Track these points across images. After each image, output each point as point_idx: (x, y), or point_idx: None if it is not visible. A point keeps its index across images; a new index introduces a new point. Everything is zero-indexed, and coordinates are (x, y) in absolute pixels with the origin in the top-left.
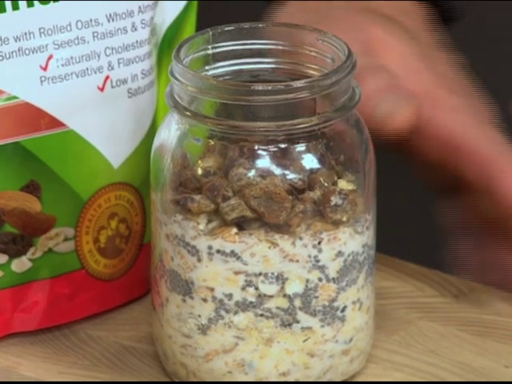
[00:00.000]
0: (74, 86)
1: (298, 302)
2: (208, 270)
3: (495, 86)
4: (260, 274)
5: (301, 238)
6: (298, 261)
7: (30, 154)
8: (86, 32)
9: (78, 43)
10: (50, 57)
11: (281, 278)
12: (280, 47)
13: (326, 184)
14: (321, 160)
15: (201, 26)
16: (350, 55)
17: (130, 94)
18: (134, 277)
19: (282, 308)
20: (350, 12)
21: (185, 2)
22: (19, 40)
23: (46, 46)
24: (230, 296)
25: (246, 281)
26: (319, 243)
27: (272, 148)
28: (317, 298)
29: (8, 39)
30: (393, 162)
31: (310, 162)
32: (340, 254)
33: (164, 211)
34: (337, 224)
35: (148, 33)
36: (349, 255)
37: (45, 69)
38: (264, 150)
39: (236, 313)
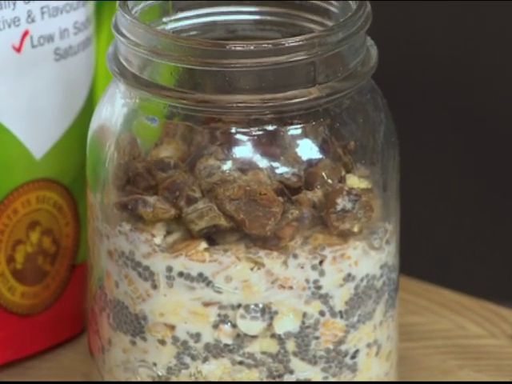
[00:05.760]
0: None
1: (291, 345)
2: (167, 300)
3: None
4: (239, 305)
5: (295, 256)
6: (291, 287)
7: None
8: None
9: None
10: None
11: (268, 312)
12: None
13: (329, 181)
14: (323, 148)
15: None
16: (363, 3)
17: (57, 56)
18: (63, 310)
19: (269, 353)
20: None
21: None
22: None
23: None
24: (197, 337)
25: (219, 315)
26: (321, 263)
27: (255, 131)
28: (318, 339)
29: None
30: (425, 151)
31: (307, 150)
32: (350, 277)
33: (106, 219)
34: (345, 236)
35: None
36: (362, 280)
37: None
38: (244, 133)
39: (206, 360)
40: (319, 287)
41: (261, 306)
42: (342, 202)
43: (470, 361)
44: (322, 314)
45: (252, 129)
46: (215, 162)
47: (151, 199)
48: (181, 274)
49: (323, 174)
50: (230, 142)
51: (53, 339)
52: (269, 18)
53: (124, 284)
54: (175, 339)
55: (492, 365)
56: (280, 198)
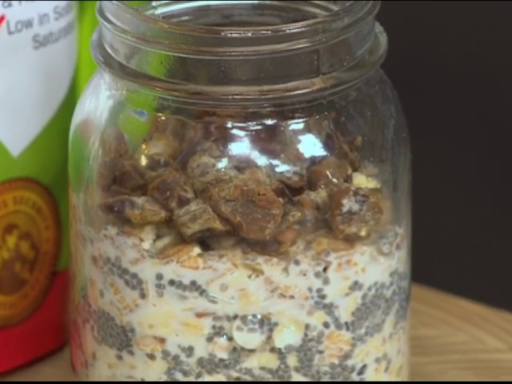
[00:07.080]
0: None
1: (292, 360)
2: (156, 310)
3: None
4: (235, 316)
5: (297, 263)
6: (292, 297)
7: None
8: None
9: None
10: None
11: (267, 324)
12: None
13: (334, 180)
14: (327, 144)
15: None
16: None
17: (36, 44)
18: (42, 322)
19: (268, 369)
20: None
21: None
22: None
23: None
24: (189, 350)
25: (214, 327)
26: (325, 270)
27: (253, 126)
28: (321, 353)
29: None
30: (438, 148)
31: (310, 146)
32: (356, 286)
33: (89, 222)
34: (351, 241)
35: None
36: (370, 288)
37: None
38: (241, 128)
39: (199, 376)
40: (323, 296)
41: (259, 316)
42: (349, 204)
43: (488, 377)
44: (326, 325)
45: (249, 123)
46: (209, 159)
47: (139, 200)
48: (172, 282)
49: (327, 172)
50: (225, 138)
51: (31, 353)
52: (268, 1)
53: (110, 293)
54: (165, 353)
55: None
56: (280, 199)
